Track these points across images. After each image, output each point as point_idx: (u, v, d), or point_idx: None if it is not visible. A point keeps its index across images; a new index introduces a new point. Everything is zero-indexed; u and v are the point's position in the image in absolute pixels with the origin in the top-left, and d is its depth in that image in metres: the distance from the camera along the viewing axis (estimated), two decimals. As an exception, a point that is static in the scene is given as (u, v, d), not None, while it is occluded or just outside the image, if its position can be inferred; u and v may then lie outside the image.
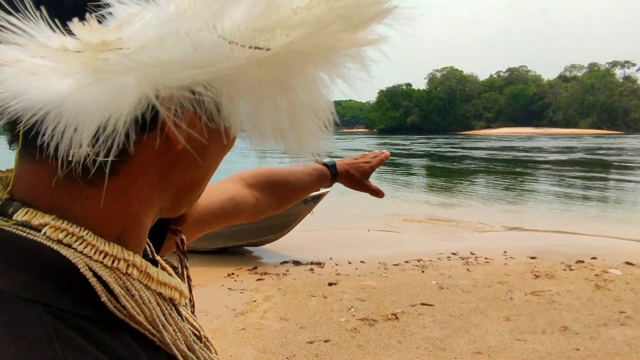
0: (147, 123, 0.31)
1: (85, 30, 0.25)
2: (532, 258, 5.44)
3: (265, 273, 5.13)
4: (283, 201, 0.85)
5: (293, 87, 0.29)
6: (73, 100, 0.25)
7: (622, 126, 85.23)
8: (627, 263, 5.11)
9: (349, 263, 5.47)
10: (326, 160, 0.90)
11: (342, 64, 0.29)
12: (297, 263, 5.58)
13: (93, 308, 0.32)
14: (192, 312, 0.48)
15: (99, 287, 0.32)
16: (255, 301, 4.24)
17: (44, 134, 0.27)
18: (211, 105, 0.29)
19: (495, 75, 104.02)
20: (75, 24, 0.25)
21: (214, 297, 4.36)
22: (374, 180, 1.02)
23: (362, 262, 5.48)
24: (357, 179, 0.93)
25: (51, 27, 0.26)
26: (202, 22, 0.25)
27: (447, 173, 18.52)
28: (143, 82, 0.26)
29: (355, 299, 4.20)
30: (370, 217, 8.79)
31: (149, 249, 0.46)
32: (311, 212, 5.77)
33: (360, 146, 40.52)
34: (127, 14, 0.25)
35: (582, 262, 5.21)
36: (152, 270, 0.37)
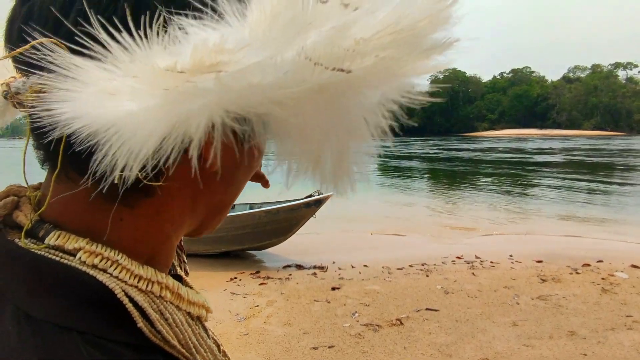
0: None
1: (199, 48, 0.25)
2: (539, 262, 5.42)
3: (268, 277, 5.13)
4: None
5: (346, 111, 0.29)
6: (136, 120, 0.25)
7: (625, 127, 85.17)
8: (633, 266, 5.10)
9: (352, 267, 5.46)
10: None
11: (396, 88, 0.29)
12: (299, 267, 5.57)
13: (128, 333, 0.32)
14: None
15: (135, 314, 0.32)
16: (258, 306, 4.23)
17: (92, 154, 0.27)
18: (257, 127, 0.29)
19: (498, 77, 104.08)
20: (189, 41, 0.25)
21: (217, 302, 4.35)
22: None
23: (365, 266, 5.48)
24: None
25: (163, 46, 0.26)
26: (289, 44, 0.25)
27: (450, 176, 18.50)
28: (217, 105, 0.26)
29: (359, 304, 4.19)
30: (374, 220, 8.79)
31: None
32: (314, 215, 5.76)
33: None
34: (232, 34, 0.25)
35: (589, 265, 5.20)
36: (182, 290, 0.37)
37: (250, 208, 6.45)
